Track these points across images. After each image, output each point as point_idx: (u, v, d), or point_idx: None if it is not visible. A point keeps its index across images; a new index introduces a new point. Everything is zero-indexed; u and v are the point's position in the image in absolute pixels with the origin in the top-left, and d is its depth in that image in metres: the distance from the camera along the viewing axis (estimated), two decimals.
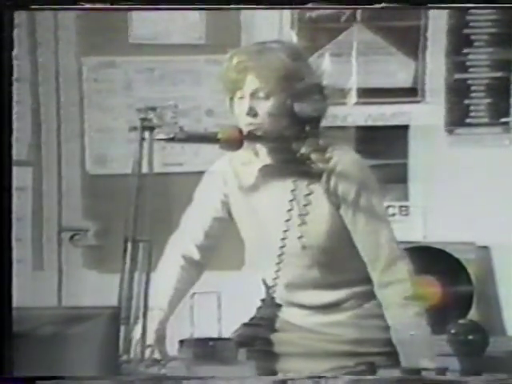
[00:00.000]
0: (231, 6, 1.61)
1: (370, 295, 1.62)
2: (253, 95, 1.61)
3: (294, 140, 1.63)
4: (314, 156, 1.62)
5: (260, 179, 1.67)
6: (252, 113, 1.61)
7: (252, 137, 1.62)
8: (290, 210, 1.63)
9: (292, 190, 1.63)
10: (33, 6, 1.52)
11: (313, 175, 1.62)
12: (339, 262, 1.64)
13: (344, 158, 1.63)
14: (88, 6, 1.53)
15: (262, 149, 1.66)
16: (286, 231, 1.63)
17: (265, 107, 1.61)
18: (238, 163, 1.71)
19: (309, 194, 1.63)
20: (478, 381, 1.38)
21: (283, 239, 1.64)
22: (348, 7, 2.22)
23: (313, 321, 1.65)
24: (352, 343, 1.61)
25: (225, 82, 1.66)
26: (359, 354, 1.59)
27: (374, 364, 1.51)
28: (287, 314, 1.67)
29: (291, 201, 1.63)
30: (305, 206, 1.62)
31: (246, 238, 1.73)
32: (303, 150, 1.62)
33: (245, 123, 1.62)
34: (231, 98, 1.66)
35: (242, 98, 1.63)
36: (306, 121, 1.62)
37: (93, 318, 1.42)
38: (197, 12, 2.47)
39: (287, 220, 1.63)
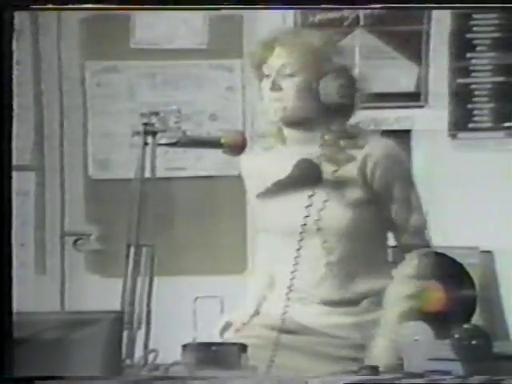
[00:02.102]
0: (234, 6, 1.61)
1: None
2: (279, 71, 1.62)
3: (319, 125, 1.63)
4: (343, 142, 1.62)
5: (285, 165, 1.65)
6: (276, 87, 1.61)
7: (279, 120, 1.62)
8: (311, 196, 1.62)
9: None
10: (33, 6, 1.52)
11: (340, 160, 1.62)
12: (358, 252, 1.63)
13: (381, 144, 1.63)
14: (89, 6, 1.53)
15: (288, 134, 1.66)
16: (306, 217, 1.62)
17: (290, 83, 1.61)
18: (260, 150, 1.71)
19: (335, 180, 1.62)
20: (477, 381, 1.38)
21: (303, 225, 1.62)
22: (353, 7, 2.22)
23: (324, 322, 1.64)
24: (357, 348, 1.61)
25: (253, 59, 1.67)
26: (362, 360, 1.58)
27: (378, 368, 1.50)
28: (298, 313, 1.66)
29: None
30: (329, 192, 1.61)
31: (263, 225, 1.71)
32: (331, 136, 1.62)
33: (269, 99, 1.62)
34: (259, 79, 1.66)
35: (268, 75, 1.63)
36: (330, 105, 1.62)
37: (95, 322, 1.41)
38: (199, 17, 2.47)
39: (308, 206, 1.62)
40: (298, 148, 1.66)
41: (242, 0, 1.64)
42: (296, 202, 1.64)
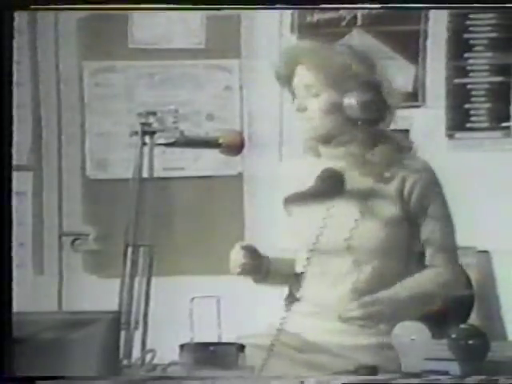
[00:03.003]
0: (232, 6, 1.62)
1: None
2: (303, 92, 1.64)
3: (349, 140, 1.65)
4: (383, 161, 1.63)
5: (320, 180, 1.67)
6: (301, 108, 1.64)
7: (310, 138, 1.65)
8: (344, 213, 1.62)
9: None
10: (33, 6, 1.52)
11: (378, 178, 1.63)
12: (386, 271, 1.64)
13: (418, 164, 1.66)
14: (89, 6, 1.53)
15: (322, 150, 1.68)
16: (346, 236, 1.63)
17: (315, 103, 1.63)
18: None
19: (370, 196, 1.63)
20: (474, 381, 1.38)
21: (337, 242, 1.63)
22: (351, 7, 2.22)
23: (336, 341, 1.63)
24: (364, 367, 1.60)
25: (279, 74, 1.69)
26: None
27: (376, 368, 1.50)
28: (310, 331, 1.65)
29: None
30: (362, 210, 1.62)
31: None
32: (372, 156, 1.64)
33: (298, 119, 1.66)
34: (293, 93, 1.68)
35: (294, 96, 1.66)
36: (357, 120, 1.63)
37: (93, 322, 1.42)
38: (197, 17, 2.47)
39: (342, 223, 1.63)
40: (333, 163, 1.67)
41: (239, 0, 1.65)
42: (326, 218, 1.65)
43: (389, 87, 1.66)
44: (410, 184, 1.64)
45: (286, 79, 1.68)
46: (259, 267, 1.69)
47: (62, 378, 1.36)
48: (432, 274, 1.66)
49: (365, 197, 1.64)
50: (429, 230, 1.65)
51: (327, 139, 1.66)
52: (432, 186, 1.67)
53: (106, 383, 1.39)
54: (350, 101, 1.62)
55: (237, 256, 1.68)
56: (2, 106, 1.45)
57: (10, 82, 1.45)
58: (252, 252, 1.69)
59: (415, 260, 1.69)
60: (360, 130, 1.64)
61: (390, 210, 1.64)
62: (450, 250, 1.68)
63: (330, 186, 1.67)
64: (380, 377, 1.48)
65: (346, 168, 1.66)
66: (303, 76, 1.64)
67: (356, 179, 1.66)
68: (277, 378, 1.51)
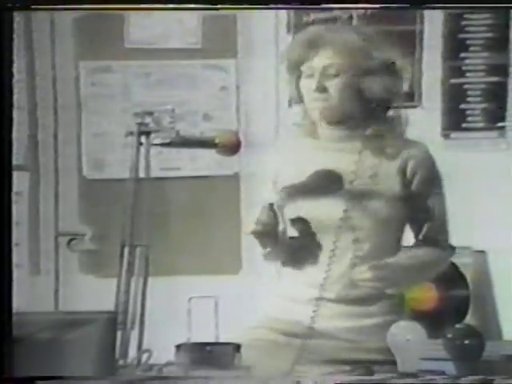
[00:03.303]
0: (228, 6, 1.62)
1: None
2: (322, 72, 1.65)
3: (361, 122, 1.68)
4: (389, 139, 1.68)
5: (317, 159, 1.69)
6: (320, 88, 1.65)
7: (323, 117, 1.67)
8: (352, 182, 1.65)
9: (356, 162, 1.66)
10: (34, 6, 1.52)
11: (383, 156, 1.67)
12: (383, 247, 1.66)
13: (420, 147, 1.71)
14: (91, 6, 1.53)
15: (325, 131, 1.69)
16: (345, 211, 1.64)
17: (334, 83, 1.65)
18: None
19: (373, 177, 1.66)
20: (469, 381, 1.39)
21: (339, 220, 1.65)
22: (347, 7, 2.23)
23: (341, 325, 1.65)
24: (376, 351, 1.60)
25: (291, 58, 1.69)
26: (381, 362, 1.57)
27: (372, 368, 1.51)
28: (313, 317, 1.65)
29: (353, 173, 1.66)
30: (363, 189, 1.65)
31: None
32: (374, 131, 1.67)
33: (312, 99, 1.66)
34: (298, 77, 1.69)
35: (310, 75, 1.66)
36: (375, 101, 1.67)
37: (89, 322, 1.42)
38: (193, 17, 2.47)
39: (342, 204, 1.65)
40: (333, 144, 1.70)
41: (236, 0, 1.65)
42: (326, 200, 1.66)
43: (403, 66, 1.71)
44: (412, 165, 1.68)
45: (301, 61, 1.68)
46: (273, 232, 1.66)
47: (61, 378, 1.36)
48: (429, 250, 1.70)
49: (370, 176, 1.67)
50: (428, 209, 1.69)
51: (341, 120, 1.68)
52: (433, 169, 1.72)
53: (104, 383, 1.39)
54: (370, 82, 1.65)
55: (262, 216, 1.65)
56: (2, 106, 1.44)
57: (10, 82, 1.45)
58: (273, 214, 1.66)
59: (401, 238, 1.72)
60: (376, 111, 1.68)
61: (391, 188, 1.67)
62: (445, 229, 1.73)
63: (328, 184, 1.67)
64: (376, 377, 1.48)
65: (360, 148, 1.68)
66: (322, 57, 1.66)
67: (368, 158, 1.68)
68: (273, 378, 1.51)
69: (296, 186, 1.69)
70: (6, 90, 1.45)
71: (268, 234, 1.64)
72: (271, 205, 1.64)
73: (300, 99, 1.71)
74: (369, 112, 1.69)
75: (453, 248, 1.74)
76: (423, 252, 1.69)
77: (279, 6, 1.73)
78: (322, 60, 1.66)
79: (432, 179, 1.71)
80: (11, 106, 1.46)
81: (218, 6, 1.62)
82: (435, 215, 1.70)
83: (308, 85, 1.68)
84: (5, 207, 1.45)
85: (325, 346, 1.63)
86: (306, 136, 1.73)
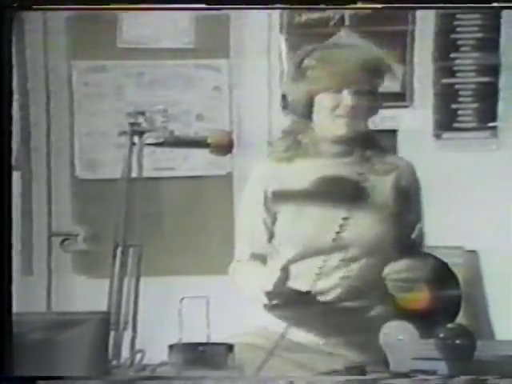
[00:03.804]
0: (221, 6, 1.62)
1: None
2: (339, 90, 1.68)
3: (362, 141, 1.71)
4: (377, 160, 1.71)
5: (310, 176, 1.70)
6: (337, 105, 1.68)
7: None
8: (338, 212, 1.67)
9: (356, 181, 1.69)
10: (35, 6, 1.52)
11: (378, 176, 1.70)
12: (373, 267, 1.67)
13: (406, 164, 1.76)
14: (88, 6, 1.53)
15: (327, 148, 1.72)
16: (337, 233, 1.67)
17: (351, 100, 1.67)
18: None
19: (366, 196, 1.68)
20: (462, 381, 1.39)
21: (333, 239, 1.67)
22: (339, 7, 2.23)
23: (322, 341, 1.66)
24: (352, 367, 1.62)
25: (312, 84, 1.71)
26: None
27: (364, 368, 1.51)
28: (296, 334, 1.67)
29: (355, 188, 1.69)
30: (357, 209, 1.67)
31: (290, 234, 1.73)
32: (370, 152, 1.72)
33: (334, 117, 1.69)
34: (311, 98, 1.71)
35: (334, 92, 1.68)
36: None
37: (82, 323, 1.42)
38: (186, 17, 2.47)
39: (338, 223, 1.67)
40: (332, 161, 1.72)
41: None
42: (320, 217, 1.68)
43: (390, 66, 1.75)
44: (404, 183, 1.73)
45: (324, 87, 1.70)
46: None
47: (61, 378, 1.36)
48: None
49: (359, 195, 1.68)
50: (405, 224, 1.73)
51: (349, 138, 1.71)
52: (419, 184, 1.77)
53: (103, 383, 1.39)
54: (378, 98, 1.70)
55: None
56: (2, 106, 1.44)
57: (11, 82, 1.45)
58: None
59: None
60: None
61: (385, 208, 1.69)
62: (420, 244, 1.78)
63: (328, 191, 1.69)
64: (368, 376, 1.49)
65: (348, 168, 1.70)
66: (337, 76, 1.68)
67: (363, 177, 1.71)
68: (266, 379, 1.52)
69: (292, 192, 1.70)
70: (7, 90, 1.45)
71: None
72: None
73: (306, 116, 1.72)
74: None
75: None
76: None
77: (272, 6, 1.73)
78: (336, 81, 1.68)
79: (419, 194, 1.77)
80: (11, 105, 1.46)
81: (210, 6, 1.62)
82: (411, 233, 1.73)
83: (330, 102, 1.68)
84: (5, 209, 1.45)
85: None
86: (306, 154, 1.74)
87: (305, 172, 1.72)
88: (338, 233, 1.67)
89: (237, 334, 1.69)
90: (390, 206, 1.71)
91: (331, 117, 1.68)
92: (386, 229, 1.69)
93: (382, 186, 1.71)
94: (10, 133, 1.46)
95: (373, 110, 1.72)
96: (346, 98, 1.67)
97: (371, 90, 1.69)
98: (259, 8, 1.96)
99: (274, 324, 1.70)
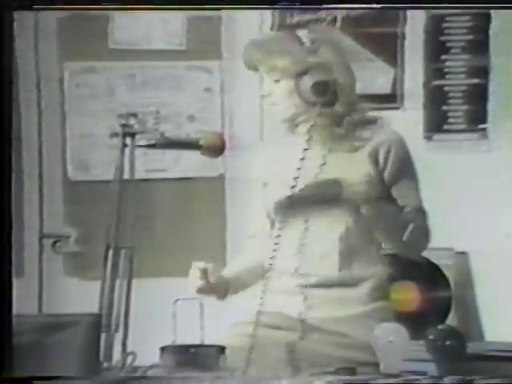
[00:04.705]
0: (213, 6, 1.62)
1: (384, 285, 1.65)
2: (268, 77, 1.75)
3: (318, 123, 1.73)
4: (352, 134, 1.72)
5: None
6: (266, 93, 1.76)
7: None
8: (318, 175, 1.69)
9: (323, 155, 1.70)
10: (35, 6, 1.52)
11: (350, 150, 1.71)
12: (362, 229, 1.69)
13: (390, 133, 1.76)
14: (89, 6, 1.53)
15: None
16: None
17: (278, 88, 1.73)
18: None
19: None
20: (450, 381, 1.40)
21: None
22: (331, 7, 2.24)
23: (322, 315, 1.66)
24: (360, 348, 1.62)
25: (246, 61, 1.81)
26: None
27: (355, 369, 1.52)
28: (295, 307, 1.68)
29: (322, 165, 1.70)
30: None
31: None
32: (341, 130, 1.73)
33: (267, 104, 1.77)
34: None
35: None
36: (311, 103, 1.72)
37: (74, 325, 1.42)
38: (177, 18, 2.47)
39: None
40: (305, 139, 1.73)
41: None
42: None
43: (339, 67, 1.74)
44: (384, 151, 1.73)
45: (253, 68, 1.78)
46: (217, 288, 1.71)
47: (58, 378, 1.36)
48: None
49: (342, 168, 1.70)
50: (405, 191, 1.73)
51: (292, 122, 1.74)
52: (405, 152, 1.77)
53: (97, 383, 1.40)
54: (304, 85, 1.70)
55: (193, 277, 1.69)
56: (3, 106, 1.44)
57: (10, 82, 1.45)
58: (210, 273, 1.70)
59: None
60: (319, 112, 1.71)
61: (364, 172, 1.70)
62: (422, 209, 1.77)
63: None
64: (359, 377, 1.49)
65: (319, 147, 1.71)
66: (265, 64, 1.74)
67: (330, 156, 1.71)
68: (256, 379, 1.52)
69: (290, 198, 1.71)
70: (7, 90, 1.45)
71: (210, 291, 1.72)
72: (202, 268, 1.72)
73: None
74: (313, 112, 1.73)
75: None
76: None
77: (263, 6, 1.74)
78: (265, 67, 1.75)
79: (405, 162, 1.77)
80: (11, 105, 1.46)
81: (202, 6, 1.62)
82: (413, 197, 1.75)
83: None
84: (5, 211, 1.45)
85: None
86: (287, 132, 1.78)
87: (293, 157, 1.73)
88: None
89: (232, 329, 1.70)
90: (369, 174, 1.70)
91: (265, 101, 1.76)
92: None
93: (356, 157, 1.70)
94: (10, 133, 1.46)
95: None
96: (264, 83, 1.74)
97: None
98: (259, 8, 1.97)
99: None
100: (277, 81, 1.73)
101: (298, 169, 1.70)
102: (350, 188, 1.68)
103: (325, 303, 1.67)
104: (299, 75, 1.71)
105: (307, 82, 1.70)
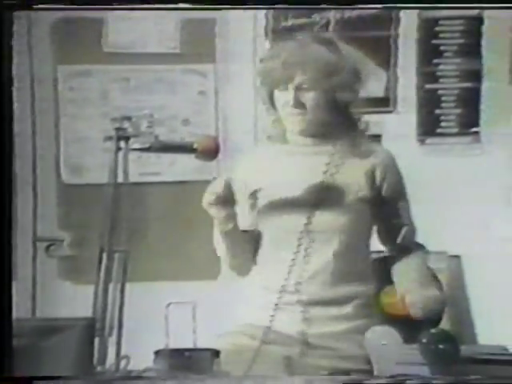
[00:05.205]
0: (207, 6, 1.62)
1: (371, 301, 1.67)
2: (297, 87, 1.70)
3: (334, 133, 1.73)
4: (353, 149, 1.72)
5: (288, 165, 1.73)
6: (297, 104, 1.70)
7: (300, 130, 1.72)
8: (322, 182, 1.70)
9: (326, 164, 1.71)
10: (35, 6, 1.52)
11: (349, 167, 1.71)
12: (351, 251, 1.70)
13: (385, 154, 1.77)
14: (89, 6, 1.53)
15: (297, 140, 1.74)
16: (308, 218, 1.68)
17: (310, 98, 1.69)
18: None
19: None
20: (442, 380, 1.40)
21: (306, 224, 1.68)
22: (324, 7, 2.24)
23: (312, 331, 1.67)
24: (347, 359, 1.63)
25: (267, 77, 1.74)
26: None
27: (349, 373, 1.52)
28: (284, 322, 1.68)
29: (325, 173, 1.70)
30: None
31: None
32: (343, 144, 1.72)
33: (289, 113, 1.71)
34: (271, 89, 1.74)
35: (285, 89, 1.71)
36: (347, 107, 1.72)
37: (67, 329, 1.41)
38: (172, 21, 2.47)
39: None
40: (303, 148, 1.74)
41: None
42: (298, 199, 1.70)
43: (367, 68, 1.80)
44: (380, 172, 1.74)
45: (271, 78, 1.73)
46: (230, 213, 1.70)
47: (59, 378, 1.36)
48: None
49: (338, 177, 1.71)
50: (401, 212, 1.76)
51: (318, 132, 1.73)
52: (399, 174, 1.79)
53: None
54: (342, 94, 1.71)
55: (216, 187, 1.68)
56: (2, 106, 1.44)
57: (10, 79, 1.44)
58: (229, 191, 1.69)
59: (369, 244, 1.76)
60: (349, 119, 1.73)
61: (358, 192, 1.71)
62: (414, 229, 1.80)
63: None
64: (352, 376, 1.49)
65: (332, 151, 1.72)
66: (294, 73, 1.70)
67: (344, 166, 1.72)
68: (255, 379, 1.52)
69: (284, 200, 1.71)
70: (7, 91, 1.44)
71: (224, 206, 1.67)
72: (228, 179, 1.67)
73: (273, 108, 1.76)
74: (342, 121, 1.74)
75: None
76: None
77: (254, 6, 1.75)
78: (294, 76, 1.70)
79: (400, 185, 1.78)
80: (11, 106, 1.46)
81: (195, 6, 1.63)
82: (408, 217, 1.76)
83: (283, 98, 1.71)
84: (5, 214, 1.44)
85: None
86: (275, 142, 1.77)
87: (280, 165, 1.74)
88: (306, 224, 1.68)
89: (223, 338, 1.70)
90: (364, 193, 1.71)
91: (284, 113, 1.72)
92: (357, 215, 1.71)
93: (356, 171, 1.72)
94: (11, 133, 1.46)
95: (335, 105, 1.71)
96: (290, 94, 1.70)
97: (324, 86, 1.69)
98: (260, 8, 1.98)
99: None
100: (310, 90, 1.69)
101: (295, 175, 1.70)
102: (348, 196, 1.69)
103: (316, 320, 1.67)
104: (339, 85, 1.69)
105: (347, 91, 1.70)
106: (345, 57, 1.74)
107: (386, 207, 1.74)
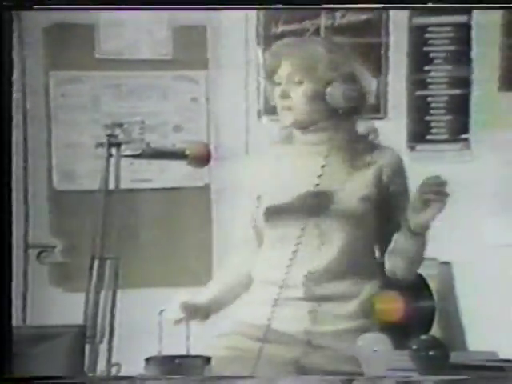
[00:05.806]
0: (198, 7, 1.63)
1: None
2: (287, 79, 1.71)
3: (328, 129, 1.72)
4: (363, 148, 1.73)
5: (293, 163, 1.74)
6: (285, 95, 1.71)
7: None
8: (317, 185, 1.70)
9: (322, 166, 1.71)
10: (36, 6, 1.52)
11: (359, 163, 1.71)
12: (355, 247, 1.70)
13: (392, 154, 1.79)
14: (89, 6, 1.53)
15: (298, 136, 1.75)
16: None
17: (298, 91, 1.70)
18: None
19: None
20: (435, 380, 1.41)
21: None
22: (317, 7, 2.25)
23: (313, 329, 1.66)
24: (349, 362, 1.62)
25: (266, 69, 1.78)
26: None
27: (349, 373, 1.52)
28: (283, 320, 1.68)
29: (319, 177, 1.70)
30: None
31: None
32: (341, 141, 1.72)
33: (280, 106, 1.73)
34: (272, 89, 1.76)
35: (279, 83, 1.73)
36: (338, 109, 1.72)
37: (58, 336, 1.41)
38: (163, 27, 2.48)
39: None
40: (307, 148, 1.74)
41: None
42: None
43: (365, 77, 1.76)
44: (388, 172, 1.76)
45: (272, 71, 1.75)
46: (197, 315, 1.74)
47: (60, 378, 1.36)
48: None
49: (342, 182, 1.70)
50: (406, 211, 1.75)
51: (306, 125, 1.72)
52: (404, 172, 1.80)
53: None
54: (333, 90, 1.70)
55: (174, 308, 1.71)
56: (2, 107, 1.43)
57: (10, 79, 1.44)
58: (189, 307, 1.73)
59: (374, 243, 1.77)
60: (342, 118, 1.72)
61: (366, 189, 1.71)
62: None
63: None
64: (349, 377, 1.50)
65: (326, 153, 1.72)
66: (287, 66, 1.72)
67: (336, 164, 1.71)
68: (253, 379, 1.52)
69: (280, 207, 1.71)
70: (6, 91, 1.44)
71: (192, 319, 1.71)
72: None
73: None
74: (335, 120, 1.73)
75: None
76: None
77: (247, 5, 1.76)
78: (285, 69, 1.72)
79: (404, 183, 1.79)
80: (11, 106, 1.45)
81: (187, 7, 1.63)
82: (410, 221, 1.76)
83: (276, 92, 1.74)
84: (5, 217, 1.44)
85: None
86: (281, 142, 1.78)
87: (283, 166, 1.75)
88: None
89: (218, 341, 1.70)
90: (371, 193, 1.72)
91: (279, 105, 1.73)
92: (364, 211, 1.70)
93: (361, 175, 1.72)
94: (10, 133, 1.45)
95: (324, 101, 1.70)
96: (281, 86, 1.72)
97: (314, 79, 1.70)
98: (239, 8, 1.99)
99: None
100: (299, 83, 1.71)
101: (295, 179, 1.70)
102: (345, 202, 1.69)
103: (313, 317, 1.67)
104: (329, 81, 1.70)
105: (337, 87, 1.69)
106: (344, 58, 1.75)
107: (393, 205, 1.75)
